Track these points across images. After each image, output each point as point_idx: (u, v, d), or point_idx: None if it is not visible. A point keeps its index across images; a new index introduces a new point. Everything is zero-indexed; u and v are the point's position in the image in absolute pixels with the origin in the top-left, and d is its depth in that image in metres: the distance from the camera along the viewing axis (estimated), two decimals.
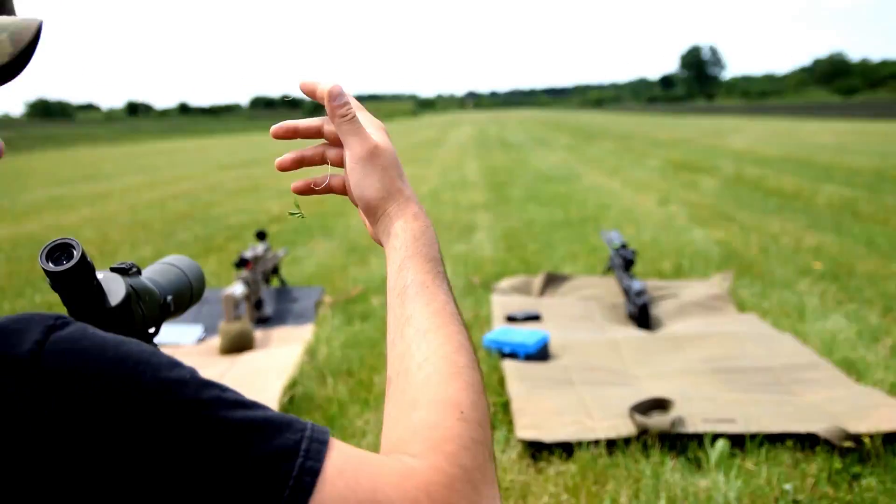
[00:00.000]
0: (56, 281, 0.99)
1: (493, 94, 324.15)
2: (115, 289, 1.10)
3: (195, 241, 8.11)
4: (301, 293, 5.45)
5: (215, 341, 4.44)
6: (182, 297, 1.34)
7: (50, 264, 0.99)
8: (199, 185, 15.32)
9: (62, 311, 0.85)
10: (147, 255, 7.37)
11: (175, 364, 0.68)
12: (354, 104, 0.97)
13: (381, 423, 3.01)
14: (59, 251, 1.01)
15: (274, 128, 1.01)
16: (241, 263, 4.84)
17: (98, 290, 1.06)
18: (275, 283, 5.68)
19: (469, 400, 0.76)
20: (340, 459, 0.67)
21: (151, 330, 1.16)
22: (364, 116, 0.98)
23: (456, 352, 0.79)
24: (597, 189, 11.64)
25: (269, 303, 5.18)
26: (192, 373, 0.68)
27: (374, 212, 0.95)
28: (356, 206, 0.96)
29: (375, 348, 4.18)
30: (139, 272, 1.20)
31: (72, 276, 0.98)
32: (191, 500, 0.62)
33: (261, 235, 5.34)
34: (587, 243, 6.98)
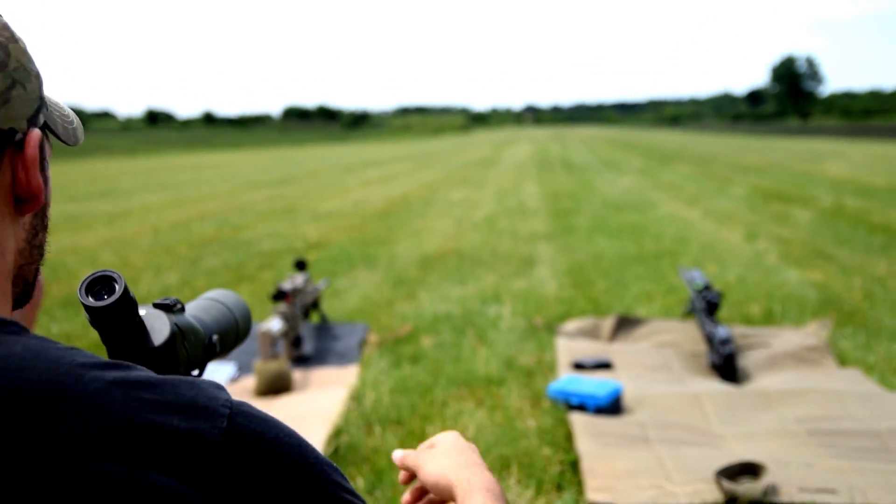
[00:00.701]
0: (96, 317, 1.04)
1: (556, 109, 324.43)
2: (158, 327, 1.16)
3: (225, 269, 8.28)
4: (343, 330, 5.55)
5: (250, 381, 4.54)
6: (227, 337, 1.40)
7: (90, 299, 1.03)
8: (227, 205, 15.61)
9: (96, 349, 0.95)
10: (172, 282, 7.55)
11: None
12: (414, 454, 1.27)
13: None
14: (100, 284, 1.04)
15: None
16: (279, 296, 4.96)
17: (140, 329, 1.11)
18: (314, 318, 5.79)
19: None
20: None
21: (195, 372, 1.22)
22: (434, 452, 1.25)
23: None
24: (674, 220, 11.63)
25: (308, 340, 5.28)
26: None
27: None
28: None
29: (427, 395, 4.25)
30: (183, 309, 1.26)
31: (113, 312, 1.03)
32: None
33: (300, 265, 5.45)
34: (664, 282, 7.00)
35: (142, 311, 1.14)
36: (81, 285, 1.05)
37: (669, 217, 11.96)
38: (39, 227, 0.99)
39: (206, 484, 0.77)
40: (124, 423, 0.76)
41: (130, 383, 0.80)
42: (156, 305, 1.19)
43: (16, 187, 0.91)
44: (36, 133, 0.92)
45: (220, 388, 0.86)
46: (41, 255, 1.00)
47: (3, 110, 0.86)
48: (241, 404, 0.84)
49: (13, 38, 0.90)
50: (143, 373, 0.83)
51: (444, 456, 1.20)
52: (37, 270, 1.01)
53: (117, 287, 1.04)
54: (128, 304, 1.05)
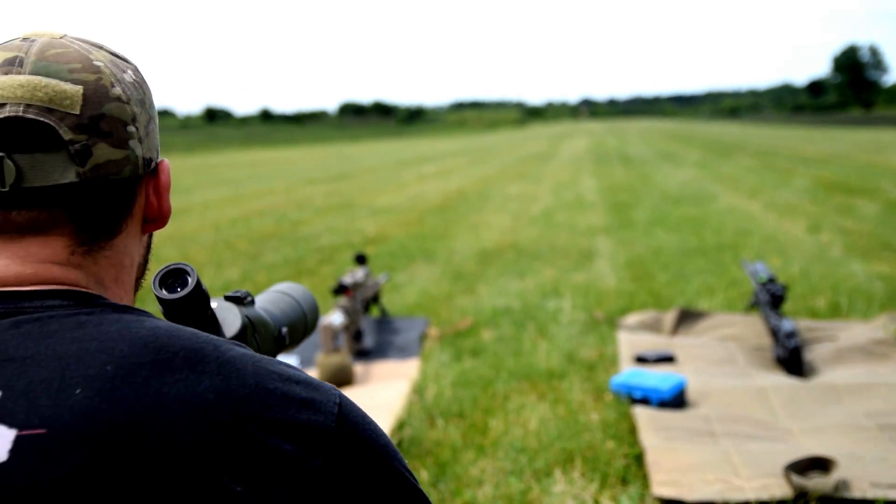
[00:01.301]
0: (169, 309, 1.06)
1: (611, 102, 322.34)
2: (230, 319, 1.17)
3: (284, 264, 8.36)
4: (403, 324, 5.57)
5: (312, 375, 4.57)
6: (296, 330, 1.41)
7: (163, 291, 1.06)
8: (286, 200, 15.76)
9: None
10: (233, 277, 7.64)
11: None
12: None
13: (498, 472, 3.04)
14: (173, 277, 1.07)
15: None
16: (340, 290, 4.98)
17: (212, 321, 1.12)
18: (374, 312, 5.82)
19: None
20: None
21: None
22: None
23: None
24: (734, 212, 11.48)
25: (369, 334, 5.31)
26: None
27: None
28: None
29: (489, 389, 4.24)
30: (253, 302, 1.27)
31: (186, 304, 1.05)
32: None
33: (360, 259, 5.48)
34: (726, 275, 6.91)
35: (213, 304, 1.15)
36: (155, 278, 1.07)
37: (730, 210, 11.81)
38: (150, 245, 1.13)
39: (324, 451, 0.86)
40: (257, 386, 0.86)
41: (257, 357, 0.90)
42: (227, 298, 1.21)
43: (147, 210, 1.05)
44: (167, 162, 1.07)
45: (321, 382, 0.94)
46: (146, 270, 1.12)
47: (146, 142, 1.00)
48: (346, 399, 0.93)
49: (144, 80, 1.04)
50: (261, 354, 0.93)
51: None
52: (140, 285, 1.12)
53: (190, 280, 1.06)
54: (200, 296, 1.07)
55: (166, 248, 9.62)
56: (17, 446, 0.78)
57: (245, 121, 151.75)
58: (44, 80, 0.91)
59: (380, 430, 0.94)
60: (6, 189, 0.90)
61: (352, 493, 0.87)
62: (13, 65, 0.92)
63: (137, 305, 0.99)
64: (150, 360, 0.84)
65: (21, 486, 0.77)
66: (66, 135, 0.90)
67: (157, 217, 1.06)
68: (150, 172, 1.03)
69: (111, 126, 0.94)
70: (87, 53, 0.95)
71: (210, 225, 12.04)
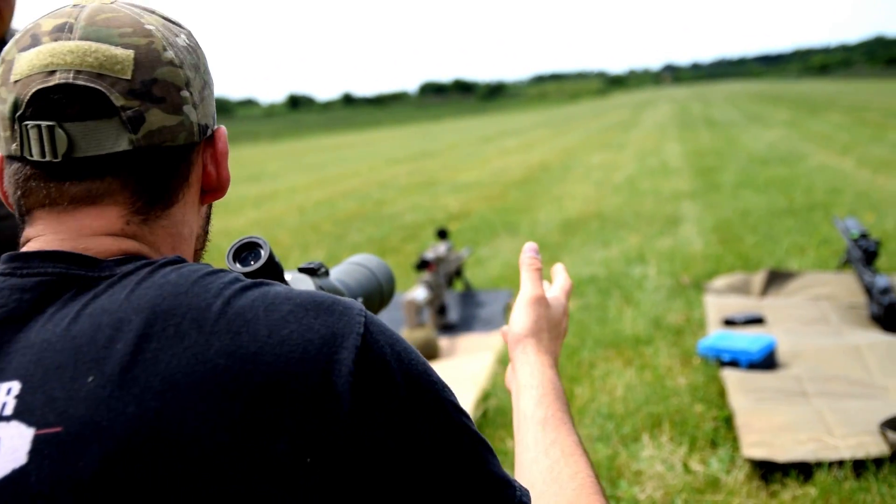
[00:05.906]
0: None
1: (695, 66, 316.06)
2: None
3: (369, 243, 8.45)
4: (488, 297, 5.58)
5: None
6: (372, 300, 1.42)
7: (237, 265, 1.07)
8: (369, 181, 15.88)
9: None
10: (318, 258, 7.72)
11: None
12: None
13: (585, 439, 3.01)
14: (247, 251, 1.09)
15: None
16: (423, 265, 5.01)
17: None
18: (458, 286, 5.83)
19: None
20: None
21: None
22: (552, 310, 1.24)
23: (596, 480, 1.00)
24: (825, 170, 11.17)
25: (453, 308, 5.33)
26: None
27: (515, 346, 1.19)
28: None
29: (574, 357, 4.22)
30: (327, 273, 1.28)
31: (260, 277, 1.04)
32: (427, 492, 0.83)
33: (442, 234, 5.50)
34: (816, 234, 6.74)
35: (287, 276, 1.17)
36: (229, 252, 1.09)
37: (820, 168, 11.49)
38: (210, 216, 1.09)
39: (351, 393, 0.79)
40: (270, 335, 0.80)
41: (270, 296, 0.84)
42: (301, 270, 1.22)
43: (205, 179, 1.01)
44: (223, 129, 1.03)
45: (350, 302, 0.88)
46: (206, 242, 1.10)
47: (201, 108, 0.96)
48: (373, 319, 0.87)
49: (198, 44, 1.01)
50: (282, 287, 0.87)
51: (539, 318, 1.21)
52: (201, 257, 1.09)
53: (263, 253, 1.08)
54: (273, 268, 1.08)
55: (253, 232, 9.74)
56: (36, 447, 0.74)
57: (327, 106, 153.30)
58: (94, 45, 0.87)
59: (412, 356, 0.87)
60: (58, 159, 0.87)
61: (387, 433, 0.80)
62: (62, 31, 0.89)
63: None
64: (160, 330, 0.79)
65: (43, 493, 0.73)
66: (118, 101, 0.87)
67: (216, 186, 1.01)
68: (207, 140, 0.99)
69: (164, 91, 0.90)
70: (138, 17, 0.92)
71: (296, 209, 12.21)
